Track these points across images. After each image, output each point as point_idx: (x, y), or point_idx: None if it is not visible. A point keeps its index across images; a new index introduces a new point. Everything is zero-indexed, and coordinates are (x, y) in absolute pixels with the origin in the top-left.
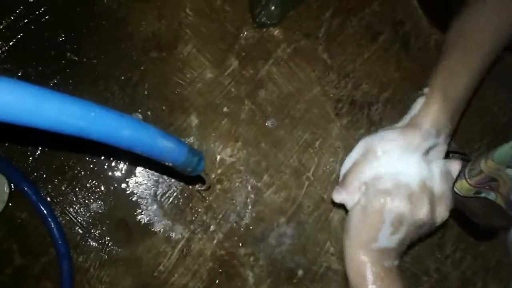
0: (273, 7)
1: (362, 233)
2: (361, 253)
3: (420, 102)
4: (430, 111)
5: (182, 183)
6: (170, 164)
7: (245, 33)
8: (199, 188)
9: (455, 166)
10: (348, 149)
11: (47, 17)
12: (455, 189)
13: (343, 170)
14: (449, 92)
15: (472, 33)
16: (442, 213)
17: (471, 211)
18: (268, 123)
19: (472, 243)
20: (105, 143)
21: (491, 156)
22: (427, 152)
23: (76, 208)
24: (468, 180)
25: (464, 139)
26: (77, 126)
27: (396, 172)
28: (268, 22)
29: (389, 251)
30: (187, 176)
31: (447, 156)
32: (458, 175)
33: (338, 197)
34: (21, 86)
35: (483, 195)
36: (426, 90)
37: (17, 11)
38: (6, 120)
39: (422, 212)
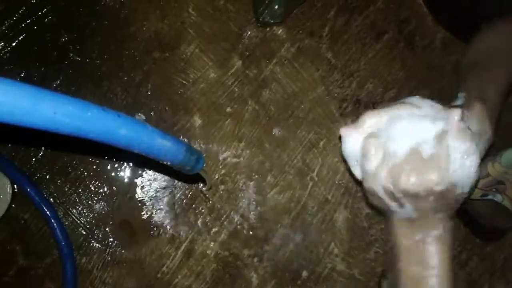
0: (276, 6)
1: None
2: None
3: (458, 102)
4: (473, 108)
5: (186, 184)
6: (168, 163)
7: (249, 32)
8: (202, 189)
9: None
10: None
11: (49, 17)
12: None
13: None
14: (488, 96)
15: (498, 52)
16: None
17: (477, 213)
18: (275, 131)
19: (479, 244)
20: (103, 142)
21: (499, 160)
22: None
23: (79, 209)
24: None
25: None
26: (74, 125)
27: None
28: (272, 21)
29: (414, 220)
30: (190, 176)
31: None
32: None
33: (345, 132)
34: (17, 86)
35: (489, 197)
36: (462, 94)
37: (20, 12)
38: (2, 120)
39: (408, 181)
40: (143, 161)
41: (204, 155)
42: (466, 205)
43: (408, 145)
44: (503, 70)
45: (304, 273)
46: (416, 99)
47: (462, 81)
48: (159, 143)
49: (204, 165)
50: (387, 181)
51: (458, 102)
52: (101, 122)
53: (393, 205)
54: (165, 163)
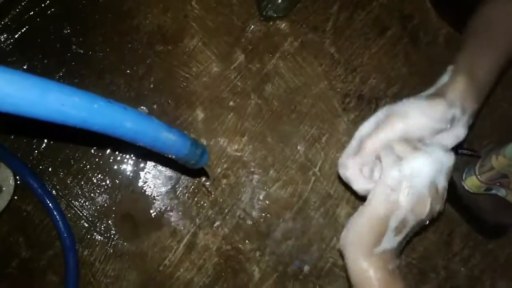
0: (280, 0)
1: (364, 239)
2: (363, 259)
3: (445, 77)
4: (456, 85)
5: (188, 178)
6: (173, 157)
7: (252, 26)
8: (205, 183)
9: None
10: None
11: (52, 9)
12: (465, 186)
13: (357, 136)
14: (475, 72)
15: (499, 20)
16: (439, 207)
17: (480, 208)
18: (278, 126)
19: (481, 241)
20: (108, 134)
21: (503, 152)
22: (448, 124)
23: (82, 201)
24: (479, 176)
25: (473, 136)
26: (80, 117)
27: (410, 168)
28: (275, 15)
29: (391, 252)
30: (193, 170)
31: (456, 152)
32: (468, 172)
33: (348, 163)
34: (24, 77)
35: (493, 192)
36: (451, 67)
37: (23, 4)
38: (9, 111)
39: (425, 214)
40: (145, 154)
41: (207, 149)
42: (469, 200)
43: (429, 177)
44: (501, 41)
45: (306, 268)
46: (403, 106)
47: (456, 52)
48: (164, 137)
49: (208, 159)
50: (407, 211)
51: (445, 76)
52: (107, 114)
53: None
54: (169, 156)
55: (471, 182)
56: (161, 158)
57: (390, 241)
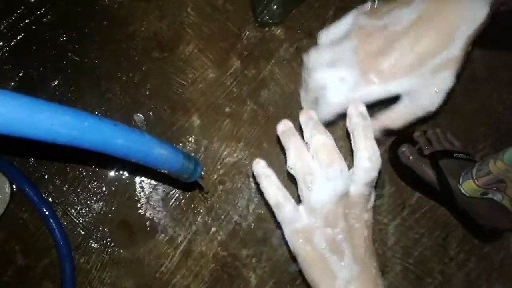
0: (275, 6)
1: None
2: None
3: None
4: None
5: (184, 185)
6: (166, 172)
7: (247, 32)
8: (199, 194)
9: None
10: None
11: (48, 17)
12: (461, 189)
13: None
14: None
15: None
16: None
17: (476, 212)
18: (273, 131)
19: (477, 245)
20: (100, 152)
21: (502, 157)
22: None
23: (78, 209)
24: (476, 180)
25: (469, 139)
26: (71, 136)
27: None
28: (270, 21)
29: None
30: (187, 182)
31: (451, 156)
32: (465, 175)
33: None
34: (13, 97)
35: (489, 196)
36: None
37: (18, 11)
38: None
39: None
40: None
41: (202, 156)
42: (464, 204)
43: None
44: None
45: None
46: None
47: None
48: (156, 152)
49: (202, 173)
50: None
51: None
52: (98, 132)
53: None
54: (163, 171)
55: (467, 186)
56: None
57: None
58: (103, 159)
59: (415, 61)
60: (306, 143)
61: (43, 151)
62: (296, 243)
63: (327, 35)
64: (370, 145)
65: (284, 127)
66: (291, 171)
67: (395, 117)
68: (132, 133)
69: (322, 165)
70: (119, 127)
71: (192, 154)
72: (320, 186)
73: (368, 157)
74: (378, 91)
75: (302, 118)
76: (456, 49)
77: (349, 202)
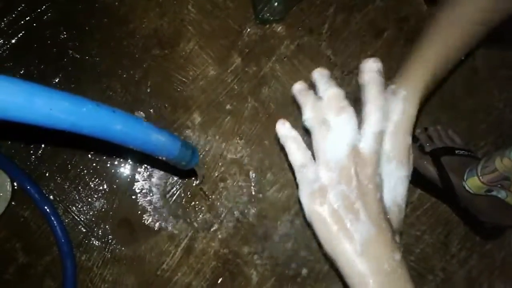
0: (276, 3)
1: None
2: None
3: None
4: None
5: (185, 182)
6: (164, 158)
7: (248, 29)
8: (201, 187)
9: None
10: None
11: (48, 14)
12: (466, 186)
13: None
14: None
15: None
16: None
17: (478, 209)
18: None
19: (478, 242)
20: (98, 137)
21: (508, 154)
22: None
23: (79, 206)
24: (481, 177)
25: (470, 136)
26: (69, 121)
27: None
28: (271, 18)
29: None
30: (189, 172)
31: (452, 153)
32: (470, 172)
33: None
34: (12, 82)
35: (493, 193)
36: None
37: (19, 9)
38: None
39: None
40: (142, 159)
41: (203, 154)
42: (467, 201)
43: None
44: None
45: (304, 271)
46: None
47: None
48: (154, 139)
49: (198, 160)
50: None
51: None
52: (96, 117)
53: None
54: (160, 158)
55: (472, 183)
56: (158, 163)
57: None
58: (104, 157)
59: None
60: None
61: (44, 149)
62: (313, 205)
63: None
64: (380, 97)
65: (300, 85)
66: (307, 124)
67: None
68: (130, 119)
69: (334, 113)
70: (117, 112)
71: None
72: (334, 135)
73: (379, 107)
74: None
75: (316, 74)
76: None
77: (361, 159)
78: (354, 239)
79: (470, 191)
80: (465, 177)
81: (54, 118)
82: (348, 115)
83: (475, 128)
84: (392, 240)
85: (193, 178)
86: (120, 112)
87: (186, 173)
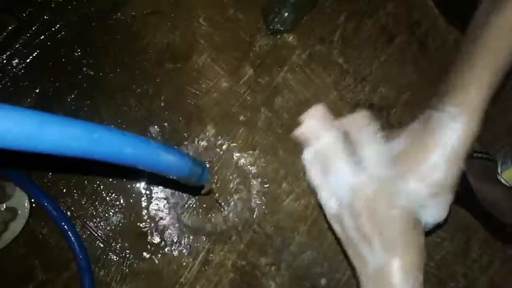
0: (286, 13)
1: None
2: None
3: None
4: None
5: (201, 194)
6: (174, 177)
7: (259, 40)
8: (218, 199)
9: None
10: None
11: (62, 33)
12: (501, 179)
13: None
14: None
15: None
16: None
17: (501, 211)
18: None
19: (500, 247)
20: (108, 162)
21: None
22: None
23: (96, 222)
24: None
25: (487, 140)
26: (80, 148)
27: None
28: (282, 28)
29: None
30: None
31: (470, 157)
32: (505, 164)
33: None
34: (20, 112)
35: None
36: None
37: (33, 28)
38: (8, 147)
39: None
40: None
41: (217, 166)
42: (488, 205)
43: None
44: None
45: (323, 281)
46: None
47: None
48: (165, 159)
49: (208, 177)
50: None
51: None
52: (108, 143)
53: None
54: (171, 177)
55: (509, 175)
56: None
57: None
58: (120, 172)
59: None
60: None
61: (60, 166)
62: (334, 226)
63: None
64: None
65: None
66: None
67: None
68: (140, 141)
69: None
70: (127, 135)
71: (206, 163)
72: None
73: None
74: None
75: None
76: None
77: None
78: (367, 263)
79: (507, 184)
80: (499, 170)
81: (66, 147)
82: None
83: (492, 131)
84: (413, 265)
85: (217, 194)
86: (130, 135)
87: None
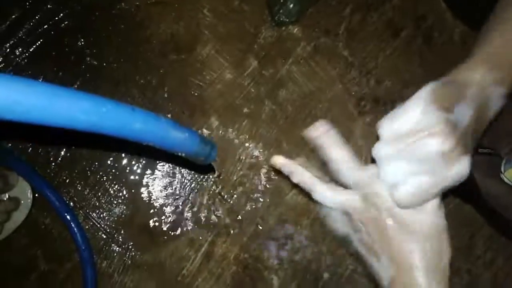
0: (291, 5)
1: None
2: None
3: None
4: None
5: (204, 186)
6: (183, 154)
7: (264, 32)
8: (221, 192)
9: None
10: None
11: (66, 22)
12: (504, 178)
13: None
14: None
15: None
16: None
17: (505, 206)
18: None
19: (504, 243)
20: (117, 137)
21: None
22: None
23: (99, 213)
24: None
25: (492, 135)
26: (90, 121)
27: None
28: (287, 20)
29: None
30: (198, 166)
31: (475, 152)
32: (508, 163)
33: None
34: (32, 84)
35: None
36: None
37: (36, 17)
38: (18, 119)
39: None
40: (161, 165)
41: (221, 157)
42: (493, 200)
43: None
44: None
45: (326, 275)
46: None
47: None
48: (174, 135)
49: (216, 154)
50: None
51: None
52: (116, 116)
53: None
54: (179, 154)
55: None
56: (176, 168)
57: None
58: (124, 163)
59: None
60: None
61: (64, 156)
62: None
63: (391, 128)
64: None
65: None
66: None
67: None
68: (150, 117)
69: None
70: (136, 111)
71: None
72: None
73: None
74: None
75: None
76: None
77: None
78: (382, 278)
79: (510, 183)
80: (502, 169)
81: (75, 120)
82: None
83: (497, 126)
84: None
85: (212, 181)
86: (140, 110)
87: (202, 168)
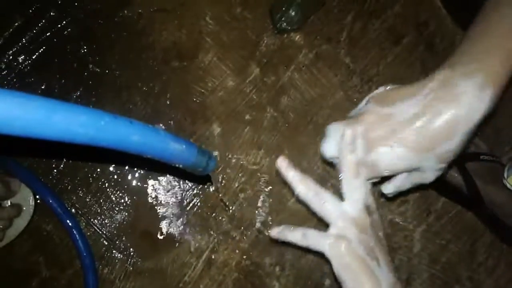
0: (293, 13)
1: None
2: None
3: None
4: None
5: (205, 193)
6: (180, 166)
7: (266, 39)
8: (223, 198)
9: None
10: None
11: (69, 30)
12: (507, 184)
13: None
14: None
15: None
16: None
17: (508, 213)
18: (295, 138)
19: (505, 250)
20: (115, 149)
21: None
22: None
23: (101, 219)
24: None
25: (495, 142)
26: (88, 135)
27: None
28: (289, 27)
29: None
30: (198, 177)
31: (477, 159)
32: (510, 169)
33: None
34: (30, 99)
35: None
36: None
37: (40, 25)
38: (16, 133)
39: None
40: (163, 171)
41: (223, 165)
42: (494, 207)
43: None
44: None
45: (327, 282)
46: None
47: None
48: (171, 147)
49: (215, 165)
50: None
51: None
52: (114, 130)
53: None
54: (177, 166)
55: None
56: (178, 175)
57: None
58: (125, 170)
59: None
60: None
61: (66, 163)
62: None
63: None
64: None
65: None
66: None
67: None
68: (147, 129)
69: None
70: (134, 123)
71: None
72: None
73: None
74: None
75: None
76: (453, 144)
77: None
78: (382, 285)
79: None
80: (505, 175)
81: (73, 133)
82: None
83: (499, 133)
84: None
85: (221, 194)
86: (137, 123)
87: (200, 179)
